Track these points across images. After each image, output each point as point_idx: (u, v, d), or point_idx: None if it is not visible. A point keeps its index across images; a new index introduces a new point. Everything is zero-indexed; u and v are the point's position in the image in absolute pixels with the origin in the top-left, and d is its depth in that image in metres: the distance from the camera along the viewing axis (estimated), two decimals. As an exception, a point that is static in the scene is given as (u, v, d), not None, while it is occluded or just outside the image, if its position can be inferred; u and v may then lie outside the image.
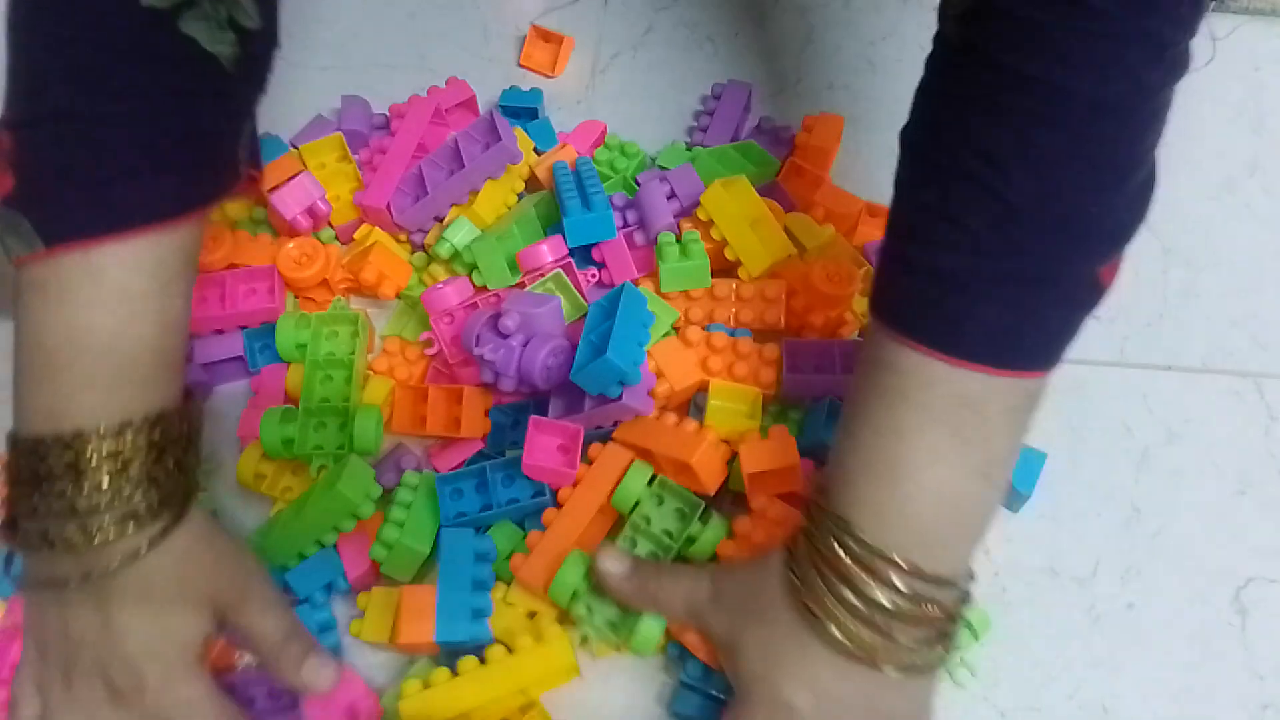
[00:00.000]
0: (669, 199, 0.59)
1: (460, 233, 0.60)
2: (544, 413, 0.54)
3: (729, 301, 0.58)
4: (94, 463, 0.43)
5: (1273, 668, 0.51)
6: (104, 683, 0.45)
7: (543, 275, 0.58)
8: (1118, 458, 0.57)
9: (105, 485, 0.43)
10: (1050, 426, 0.57)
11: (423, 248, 0.63)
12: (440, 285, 0.58)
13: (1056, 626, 0.52)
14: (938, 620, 0.42)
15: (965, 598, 0.44)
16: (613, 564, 0.48)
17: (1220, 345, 0.60)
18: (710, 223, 0.58)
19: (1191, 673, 0.52)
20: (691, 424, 0.53)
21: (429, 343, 0.58)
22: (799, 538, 0.44)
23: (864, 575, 0.41)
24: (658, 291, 0.58)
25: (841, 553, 0.42)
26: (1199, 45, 0.74)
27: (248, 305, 0.58)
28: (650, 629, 0.48)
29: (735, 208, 0.57)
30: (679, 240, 0.57)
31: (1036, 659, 0.52)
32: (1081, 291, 0.42)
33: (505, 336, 0.53)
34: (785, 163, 0.63)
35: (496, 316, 0.53)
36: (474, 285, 0.59)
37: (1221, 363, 0.59)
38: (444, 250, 0.60)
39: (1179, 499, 0.56)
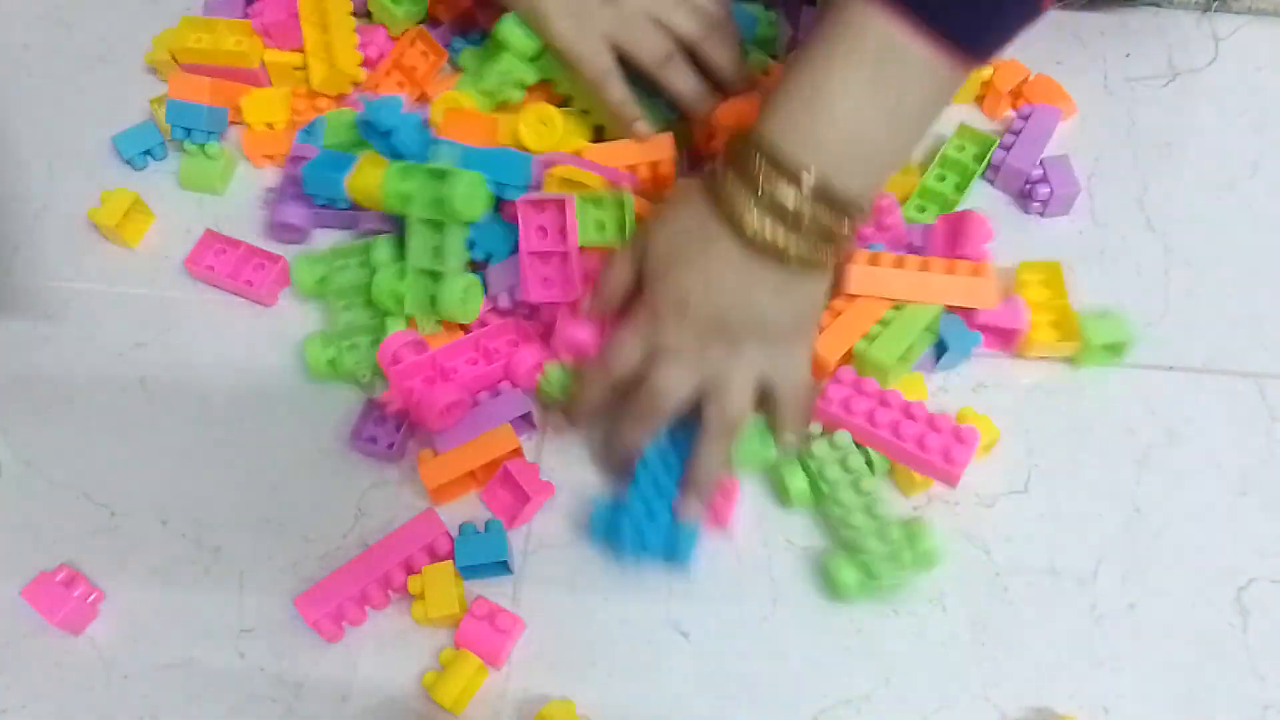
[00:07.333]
0: None
1: None
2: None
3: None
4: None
5: (1274, 668, 0.51)
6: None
7: None
8: (1119, 458, 0.57)
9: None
10: (1051, 426, 0.57)
11: None
12: None
13: (1057, 626, 0.52)
14: (833, 232, 0.50)
15: (862, 219, 0.51)
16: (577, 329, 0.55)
17: (1222, 345, 0.60)
18: None
19: (1192, 673, 0.51)
20: None
21: None
22: (720, 159, 0.51)
23: (776, 177, 0.48)
24: None
25: (758, 160, 0.49)
26: (1200, 46, 0.73)
27: None
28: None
29: None
30: None
31: (1036, 659, 0.52)
32: None
33: None
34: None
35: None
36: None
37: (1223, 363, 0.59)
38: None
39: (1180, 499, 0.56)
